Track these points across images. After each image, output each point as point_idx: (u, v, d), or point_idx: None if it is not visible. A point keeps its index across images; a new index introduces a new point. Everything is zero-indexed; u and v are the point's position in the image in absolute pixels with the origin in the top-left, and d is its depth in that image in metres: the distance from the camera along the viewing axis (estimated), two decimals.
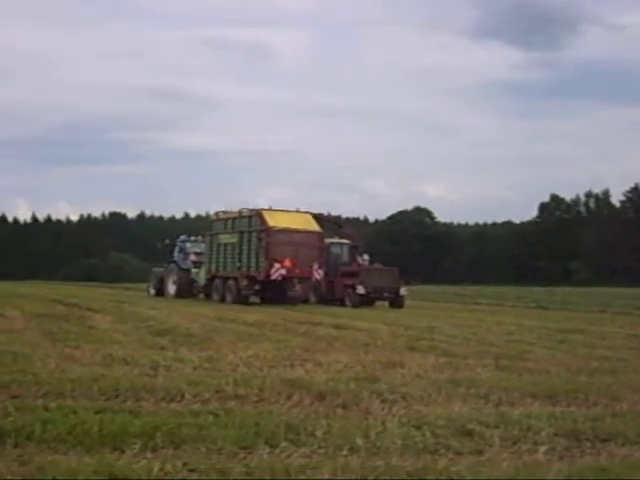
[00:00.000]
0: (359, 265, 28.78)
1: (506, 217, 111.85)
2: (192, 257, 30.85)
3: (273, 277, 25.35)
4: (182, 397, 6.68)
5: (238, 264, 26.54)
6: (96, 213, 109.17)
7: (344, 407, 6.59)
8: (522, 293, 44.27)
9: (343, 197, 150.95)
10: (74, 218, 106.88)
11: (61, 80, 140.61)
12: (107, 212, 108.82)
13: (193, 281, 29.86)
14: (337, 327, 15.16)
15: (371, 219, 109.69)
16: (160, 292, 31.00)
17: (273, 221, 25.75)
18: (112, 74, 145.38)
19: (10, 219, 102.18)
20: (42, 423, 5.38)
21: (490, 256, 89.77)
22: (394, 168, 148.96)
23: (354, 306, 26.16)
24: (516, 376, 8.70)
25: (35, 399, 6.38)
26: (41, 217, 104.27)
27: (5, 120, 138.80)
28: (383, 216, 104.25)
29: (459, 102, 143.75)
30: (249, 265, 26.13)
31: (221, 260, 27.69)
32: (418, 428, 5.77)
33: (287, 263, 25.24)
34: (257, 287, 26.20)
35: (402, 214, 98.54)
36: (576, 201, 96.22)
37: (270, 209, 27.42)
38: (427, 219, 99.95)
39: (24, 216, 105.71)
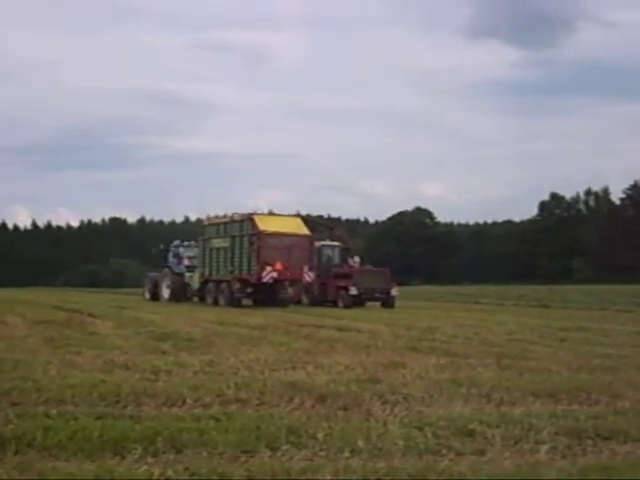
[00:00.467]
0: (350, 267, 29.19)
1: (506, 216, 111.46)
2: (185, 261, 31.33)
3: (265, 280, 25.77)
4: (183, 401, 6.67)
5: (230, 268, 27.02)
6: (96, 219, 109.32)
7: (345, 409, 6.59)
8: (523, 292, 44.16)
9: (343, 198, 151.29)
10: (74, 224, 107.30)
11: (60, 86, 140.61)
12: (107, 217, 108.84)
13: (187, 285, 30.38)
14: (339, 329, 15.18)
15: (371, 220, 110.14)
16: (155, 296, 31.52)
17: (264, 225, 26.20)
18: (111, 79, 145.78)
19: (10, 226, 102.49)
20: (43, 430, 5.38)
21: (490, 255, 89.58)
22: (394, 169, 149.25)
23: (346, 307, 26.53)
24: (517, 375, 8.69)
25: (36, 406, 6.39)
26: (41, 223, 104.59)
27: (4, 126, 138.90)
28: (383, 217, 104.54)
29: (457, 101, 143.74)
30: (241, 268, 26.59)
31: (214, 264, 28.22)
32: (420, 429, 5.77)
33: (278, 266, 25.71)
34: (249, 290, 26.71)
35: (402, 215, 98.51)
36: (576, 199, 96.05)
37: (261, 213, 27.96)
38: (427, 219, 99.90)
39: (24, 223, 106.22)
